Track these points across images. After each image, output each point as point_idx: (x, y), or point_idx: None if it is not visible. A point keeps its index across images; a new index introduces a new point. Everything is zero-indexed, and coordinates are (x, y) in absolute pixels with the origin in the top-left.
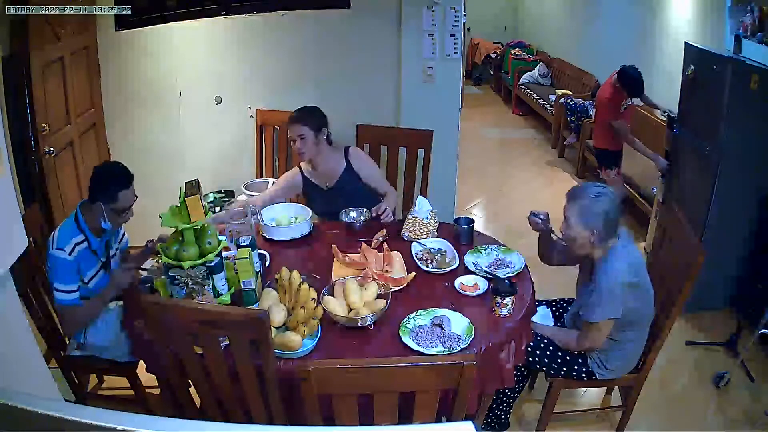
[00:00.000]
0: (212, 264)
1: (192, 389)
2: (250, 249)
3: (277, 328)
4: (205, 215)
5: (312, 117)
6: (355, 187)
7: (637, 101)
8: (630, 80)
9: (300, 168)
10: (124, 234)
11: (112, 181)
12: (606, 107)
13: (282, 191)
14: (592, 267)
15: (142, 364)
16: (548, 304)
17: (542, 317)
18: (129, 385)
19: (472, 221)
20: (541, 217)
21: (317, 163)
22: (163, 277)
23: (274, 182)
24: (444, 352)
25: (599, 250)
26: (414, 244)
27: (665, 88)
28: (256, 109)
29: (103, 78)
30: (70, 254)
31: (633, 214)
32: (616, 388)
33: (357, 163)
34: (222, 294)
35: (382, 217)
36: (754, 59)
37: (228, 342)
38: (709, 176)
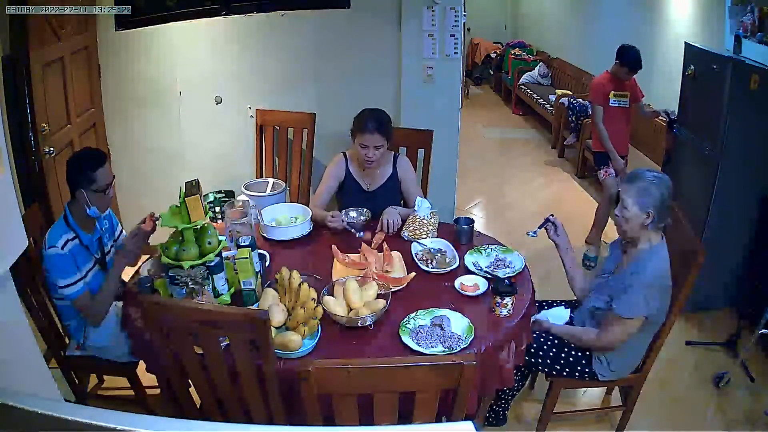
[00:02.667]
0: (212, 264)
1: (192, 389)
2: (250, 249)
3: (277, 328)
4: (205, 215)
5: (390, 127)
6: (394, 194)
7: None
8: (628, 53)
9: (346, 158)
10: (121, 231)
11: (86, 163)
12: (593, 91)
13: (332, 183)
14: (619, 257)
15: (142, 364)
16: (562, 303)
17: (556, 317)
18: (129, 385)
19: (472, 221)
20: (556, 223)
21: (373, 166)
22: (163, 276)
23: (275, 182)
24: (444, 352)
25: (646, 239)
26: (414, 244)
27: (665, 88)
28: (256, 109)
29: (103, 78)
30: (62, 248)
31: None
32: (616, 388)
33: (402, 171)
34: (222, 294)
35: (390, 230)
36: (754, 59)
37: (228, 342)
38: (709, 176)
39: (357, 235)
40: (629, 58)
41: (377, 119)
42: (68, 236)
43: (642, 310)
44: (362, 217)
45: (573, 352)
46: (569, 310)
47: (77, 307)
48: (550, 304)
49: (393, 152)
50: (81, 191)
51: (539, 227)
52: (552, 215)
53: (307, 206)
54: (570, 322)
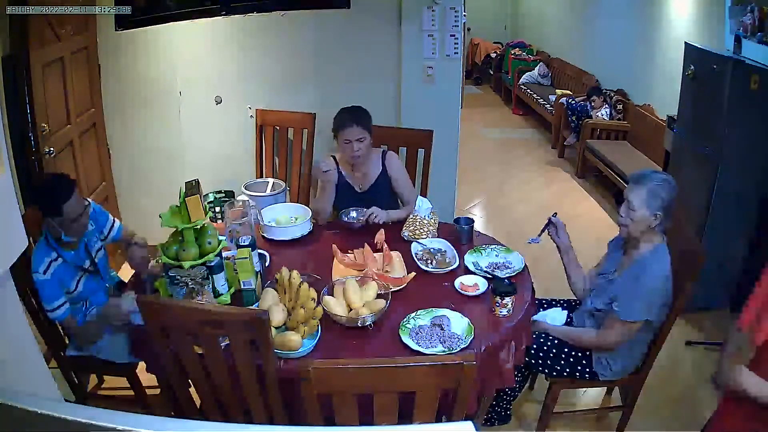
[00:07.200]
0: (212, 264)
1: (192, 389)
2: (250, 249)
3: (277, 328)
4: (205, 215)
5: (369, 119)
6: (387, 193)
7: None
8: None
9: (336, 161)
10: (114, 222)
11: (52, 196)
12: None
13: (330, 191)
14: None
15: (142, 364)
16: (560, 303)
17: (554, 318)
18: (129, 385)
19: (472, 221)
20: (557, 224)
21: (359, 164)
22: (163, 276)
23: (275, 182)
24: (444, 352)
25: (649, 240)
26: (414, 244)
27: (665, 88)
28: (256, 109)
29: (103, 78)
30: (44, 273)
31: None
32: (616, 388)
33: (391, 168)
34: (222, 294)
35: (371, 220)
36: (754, 59)
37: (228, 342)
38: (709, 176)
39: (357, 226)
40: None
41: (355, 113)
42: (51, 257)
43: (644, 315)
44: (363, 217)
45: (573, 353)
46: (566, 311)
47: (63, 327)
48: (549, 304)
49: (382, 149)
50: (49, 220)
51: (542, 231)
52: (555, 214)
53: (307, 206)
54: (570, 323)
